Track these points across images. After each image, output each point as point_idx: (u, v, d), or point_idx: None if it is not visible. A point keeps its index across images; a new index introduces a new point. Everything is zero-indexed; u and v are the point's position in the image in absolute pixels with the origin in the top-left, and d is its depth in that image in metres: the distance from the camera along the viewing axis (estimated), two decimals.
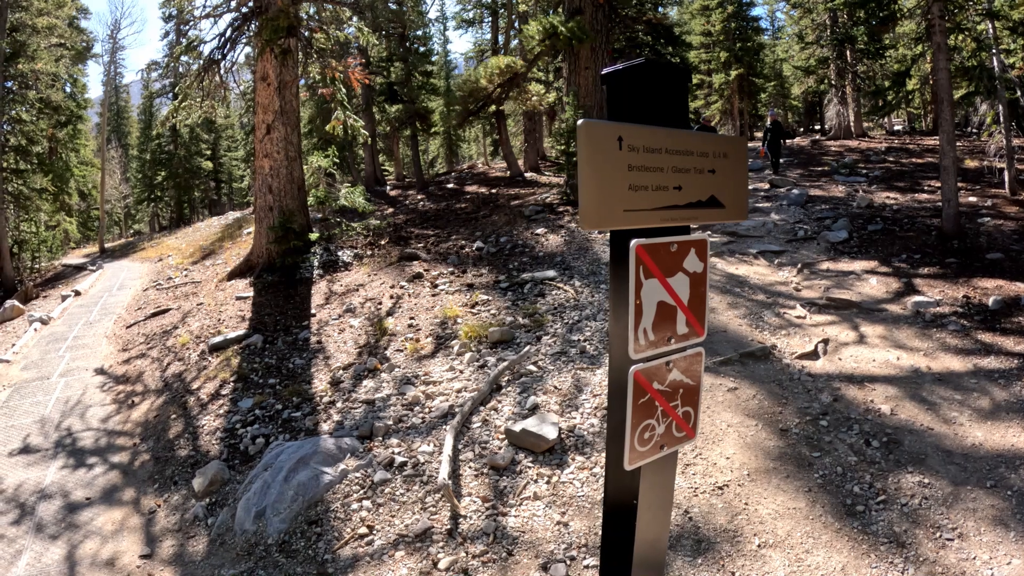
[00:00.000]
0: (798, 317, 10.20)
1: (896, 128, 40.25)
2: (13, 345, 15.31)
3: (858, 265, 12.22)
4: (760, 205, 17.41)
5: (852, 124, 31.85)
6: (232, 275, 16.97)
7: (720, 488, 6.56)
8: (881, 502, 6.23)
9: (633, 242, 2.49)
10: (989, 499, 6.15)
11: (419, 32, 33.36)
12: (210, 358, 11.79)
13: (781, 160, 22.01)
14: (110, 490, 8.55)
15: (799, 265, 12.45)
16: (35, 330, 16.71)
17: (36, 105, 29.13)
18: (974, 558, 5.49)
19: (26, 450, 9.74)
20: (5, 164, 26.88)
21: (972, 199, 15.58)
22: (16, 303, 20.12)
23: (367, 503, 7.02)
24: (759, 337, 9.57)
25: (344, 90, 17.46)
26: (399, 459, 7.60)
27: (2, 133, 26.48)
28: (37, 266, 29.57)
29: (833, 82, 32.06)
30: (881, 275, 11.59)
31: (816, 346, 9.20)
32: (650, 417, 2.70)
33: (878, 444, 7.06)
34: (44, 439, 10.04)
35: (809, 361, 8.93)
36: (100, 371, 12.70)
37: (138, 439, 9.71)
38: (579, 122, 2.30)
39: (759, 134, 38.67)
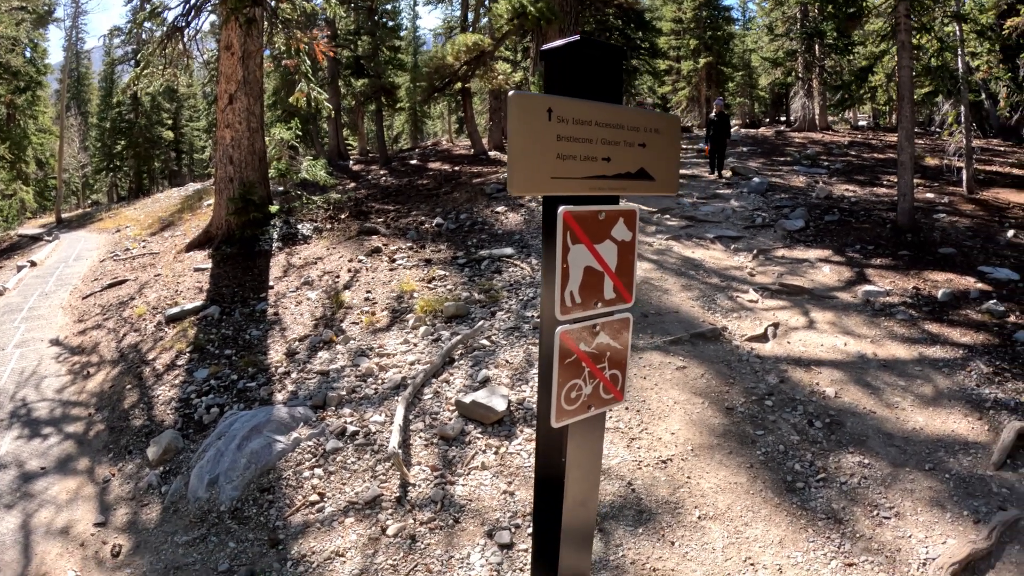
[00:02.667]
0: (750, 301, 10.38)
1: (860, 123, 40.91)
2: None
3: (813, 253, 12.46)
4: (720, 192, 17.63)
5: (817, 117, 32.31)
6: (191, 247, 16.86)
7: (664, 462, 6.70)
8: (821, 480, 6.41)
9: (561, 208, 2.61)
10: (927, 481, 6.35)
11: (388, 6, 33.01)
12: (166, 329, 11.77)
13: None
14: (65, 460, 8.57)
15: (755, 251, 12.66)
16: None
17: None
18: (910, 536, 5.68)
19: None
20: None
21: (929, 195, 15.91)
22: None
23: (319, 471, 7.12)
24: (711, 319, 9.74)
25: (309, 62, 17.33)
26: (351, 428, 7.70)
27: None
28: None
29: (800, 75, 32.48)
30: (834, 264, 11.83)
31: (766, 329, 9.37)
32: (576, 377, 2.82)
33: (821, 425, 7.25)
34: None
35: (758, 344, 9.12)
36: (56, 342, 12.62)
37: (93, 409, 9.72)
38: (510, 93, 2.43)
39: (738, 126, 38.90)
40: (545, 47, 2.73)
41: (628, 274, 2.95)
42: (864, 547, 5.57)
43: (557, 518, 3.01)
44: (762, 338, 9.23)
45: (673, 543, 5.68)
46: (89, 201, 56.23)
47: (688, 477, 6.49)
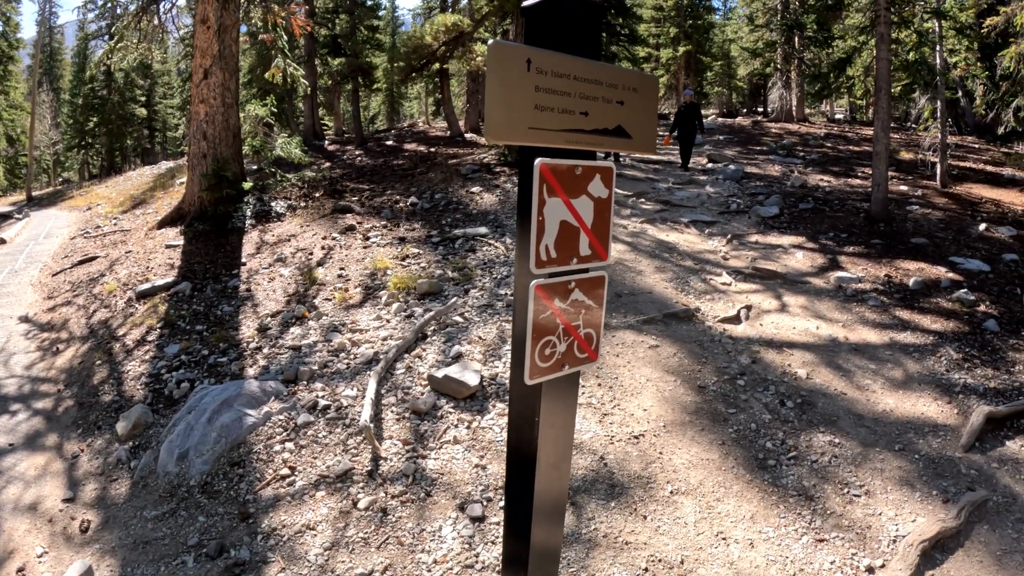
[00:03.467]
0: (724, 284, 10.45)
1: (837, 116, 41.15)
2: None
3: (786, 240, 12.55)
4: (696, 178, 17.73)
5: (794, 108, 32.49)
6: (163, 223, 16.68)
7: (636, 437, 6.75)
8: (792, 458, 6.48)
9: (537, 160, 2.58)
10: (897, 461, 6.44)
11: None
12: (137, 305, 11.66)
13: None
14: (33, 436, 8.48)
15: (729, 236, 12.73)
16: None
17: None
18: (880, 514, 5.76)
19: None
20: None
21: (903, 188, 16.05)
22: None
23: (290, 445, 7.09)
24: (684, 300, 9.79)
25: (286, 37, 17.19)
26: (323, 403, 7.68)
27: None
28: None
29: (779, 66, 32.63)
30: (808, 250, 11.92)
31: (739, 311, 9.44)
32: (551, 334, 2.80)
33: (792, 405, 7.32)
34: None
35: (731, 325, 9.18)
36: (24, 319, 12.49)
37: (62, 385, 9.63)
38: (489, 42, 2.40)
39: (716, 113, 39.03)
40: (526, 3, 2.70)
41: (604, 231, 2.93)
42: (835, 524, 5.64)
43: (530, 480, 2.99)
44: (735, 320, 9.29)
45: (646, 517, 5.73)
46: (60, 179, 55.62)
47: (660, 453, 6.54)
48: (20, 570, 6.19)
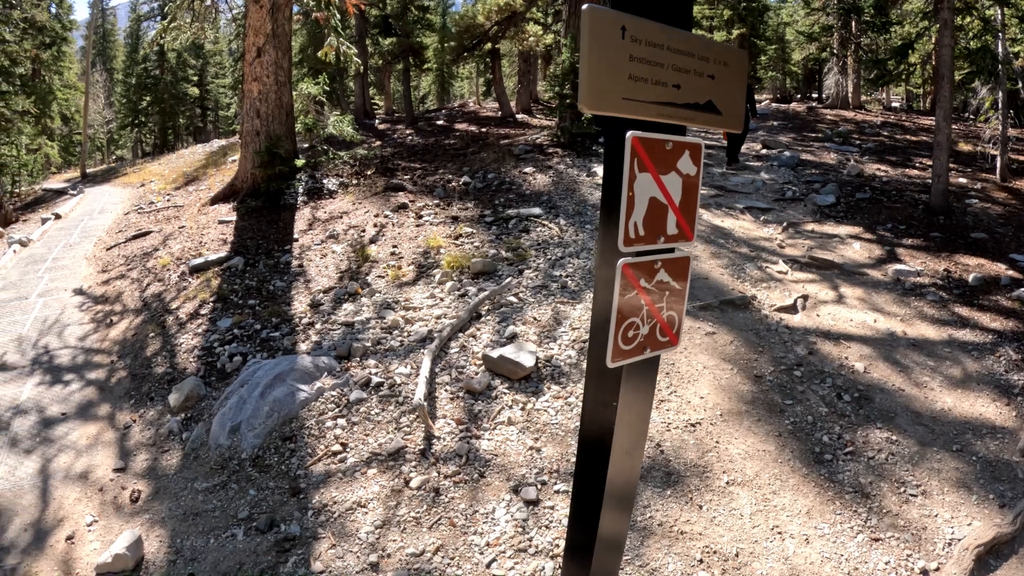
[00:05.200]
0: (779, 272, 10.23)
1: (894, 104, 40.13)
2: None
3: (843, 229, 12.23)
4: (751, 164, 17.40)
5: (850, 95, 31.73)
6: (215, 200, 16.76)
7: (693, 425, 6.63)
8: (849, 453, 6.32)
9: (629, 133, 2.45)
10: (954, 462, 6.24)
11: None
12: (190, 279, 11.70)
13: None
14: (86, 406, 8.53)
15: (784, 224, 12.46)
16: (14, 252, 16.52)
17: (20, 25, 28.59)
18: (936, 516, 5.60)
19: (3, 367, 9.67)
20: None
21: (962, 180, 15.56)
22: None
23: (342, 421, 7.05)
24: (740, 287, 9.60)
25: (339, 16, 17.13)
26: (376, 379, 7.62)
27: None
28: (17, 190, 29.16)
29: (835, 51, 31.81)
30: (865, 241, 11.60)
31: (795, 301, 9.23)
32: (635, 315, 2.68)
33: (849, 399, 7.14)
34: (21, 357, 9.97)
35: (787, 314, 8.98)
36: (79, 291, 12.59)
37: (115, 357, 9.67)
38: (584, 7, 2.27)
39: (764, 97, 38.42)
40: None
41: (691, 210, 2.80)
42: (890, 523, 5.51)
43: (603, 466, 2.89)
44: (791, 309, 9.09)
45: (701, 507, 5.64)
46: (114, 156, 56.44)
47: (717, 442, 6.42)
48: (70, 538, 6.23)
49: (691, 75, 2.65)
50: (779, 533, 5.37)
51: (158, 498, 6.62)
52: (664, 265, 2.76)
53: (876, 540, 5.32)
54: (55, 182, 33.81)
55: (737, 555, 5.16)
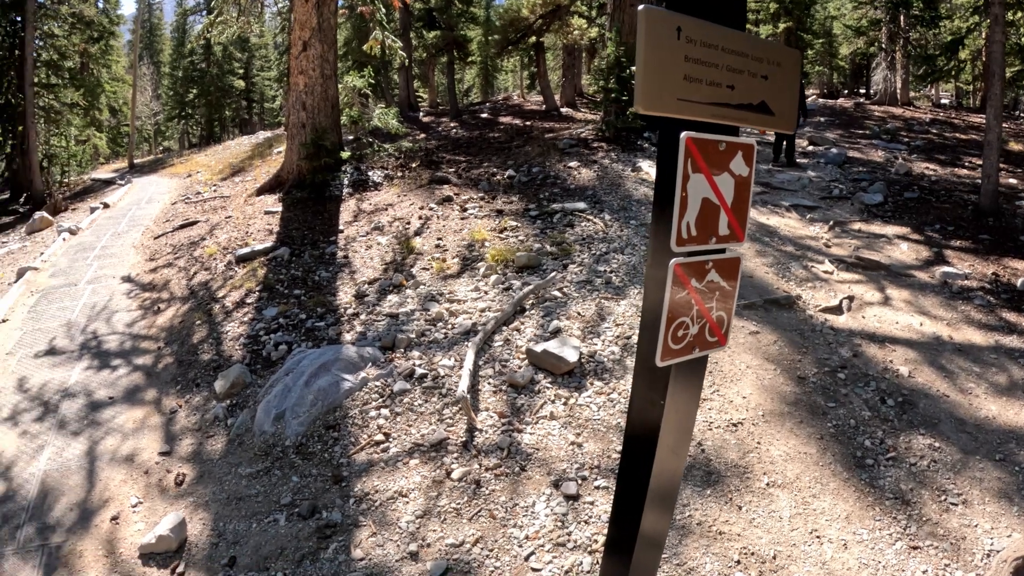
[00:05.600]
0: (825, 272, 10.08)
1: (943, 101, 39.43)
2: (42, 254, 15.45)
3: (890, 230, 12.02)
4: (798, 160, 17.16)
5: (898, 91, 31.18)
6: (261, 191, 16.92)
7: (734, 425, 6.58)
8: (891, 459, 6.22)
9: (683, 133, 2.46)
10: (996, 471, 6.11)
11: None
12: (236, 268, 11.83)
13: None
14: (133, 390, 8.67)
15: (831, 222, 12.28)
16: (64, 240, 16.84)
17: (68, 20, 29.26)
18: (976, 525, 5.49)
19: (52, 352, 9.86)
20: (36, 79, 26.94)
21: (1012, 181, 15.23)
22: (45, 215, 20.35)
23: (385, 411, 7.08)
24: (785, 287, 9.48)
25: (384, 10, 17.20)
26: (419, 371, 7.64)
27: (34, 48, 26.49)
28: (66, 180, 29.82)
29: (883, 46, 31.28)
30: (912, 242, 11.40)
31: (841, 301, 9.10)
32: (685, 315, 2.69)
33: (893, 403, 7.02)
34: (70, 342, 10.16)
35: (832, 315, 8.85)
36: (127, 279, 12.78)
37: (162, 343, 9.81)
38: (640, 7, 2.28)
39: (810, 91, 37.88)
40: None
41: (743, 211, 2.81)
42: (930, 531, 5.41)
43: (648, 464, 2.90)
44: (836, 310, 8.96)
45: (740, 507, 5.60)
46: (161, 147, 57.30)
47: (758, 443, 6.36)
48: (114, 518, 6.34)
49: (745, 75, 2.67)
50: (818, 537, 5.31)
51: (202, 482, 6.71)
52: (715, 265, 2.78)
53: (915, 548, 5.24)
54: (103, 172, 34.40)
55: (775, 557, 5.11)
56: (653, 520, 3.06)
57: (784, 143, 16.99)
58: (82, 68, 31.60)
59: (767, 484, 5.83)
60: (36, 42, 27.05)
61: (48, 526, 6.32)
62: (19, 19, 26.15)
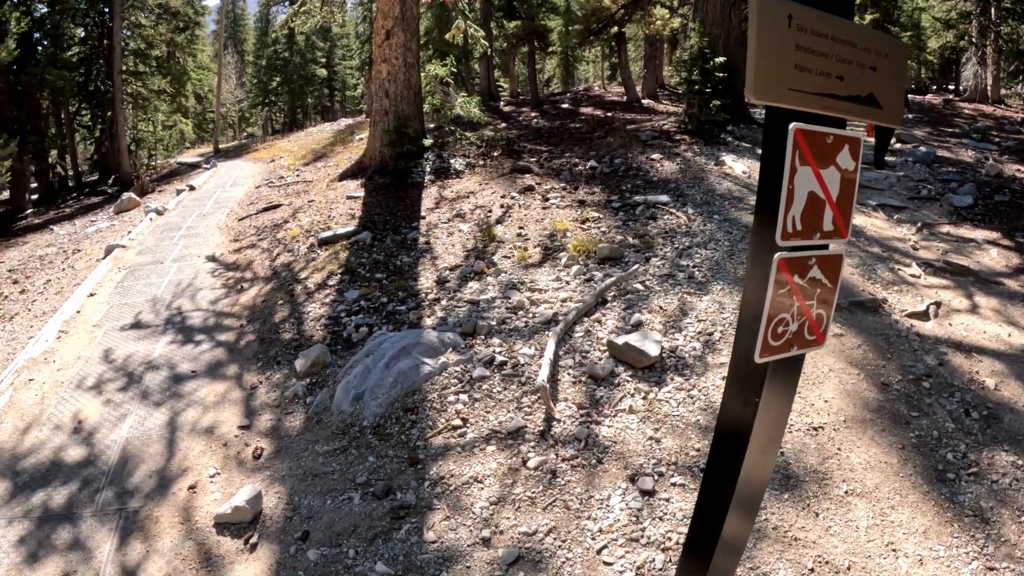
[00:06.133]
0: (912, 276, 9.71)
1: None
2: (129, 232, 15.95)
3: (980, 234, 11.52)
4: (885, 158, 16.64)
5: (989, 88, 30.03)
6: (343, 176, 17.14)
7: (815, 429, 6.38)
8: (972, 474, 5.93)
9: (792, 125, 2.41)
10: None
11: None
12: (319, 251, 11.97)
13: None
14: (214, 365, 8.84)
15: (919, 224, 11.82)
16: (150, 219, 17.33)
17: (155, 11, 30.62)
18: None
19: (137, 325, 10.13)
20: (124, 67, 27.97)
21: None
22: (133, 195, 21.09)
23: (463, 397, 7.07)
24: (870, 289, 9.17)
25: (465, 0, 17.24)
26: (499, 358, 7.61)
27: (122, 37, 27.48)
28: (153, 163, 30.98)
29: (974, 40, 30.17)
30: (1003, 248, 10.91)
31: (928, 307, 8.73)
32: (786, 311, 2.64)
33: (977, 416, 6.69)
34: (155, 316, 10.43)
35: (919, 321, 8.50)
36: (211, 258, 13.05)
37: (244, 321, 9.98)
38: None
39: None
40: None
41: (848, 207, 2.75)
42: (1007, 553, 5.14)
43: (737, 463, 2.85)
44: (923, 316, 8.61)
45: (817, 514, 5.43)
46: (245, 133, 58.88)
47: (838, 449, 6.16)
48: (192, 487, 6.47)
49: (854, 66, 2.60)
50: (893, 550, 5.11)
51: (279, 457, 6.80)
52: (818, 262, 2.73)
53: (991, 569, 4.99)
54: (189, 156, 35.51)
55: (849, 568, 4.94)
56: (736, 523, 3.02)
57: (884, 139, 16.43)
58: (168, 57, 32.70)
59: (845, 492, 5.64)
60: (124, 32, 28.25)
61: (127, 491, 6.48)
62: (107, 10, 27.29)
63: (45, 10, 26.86)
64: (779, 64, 2.31)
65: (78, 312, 10.83)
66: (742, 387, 2.82)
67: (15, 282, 13.76)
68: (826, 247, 2.74)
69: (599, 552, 5.14)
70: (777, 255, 2.51)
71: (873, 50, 2.65)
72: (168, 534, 5.89)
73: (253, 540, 5.69)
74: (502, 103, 31.84)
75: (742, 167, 14.11)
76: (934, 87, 41.63)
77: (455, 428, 6.65)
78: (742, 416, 2.81)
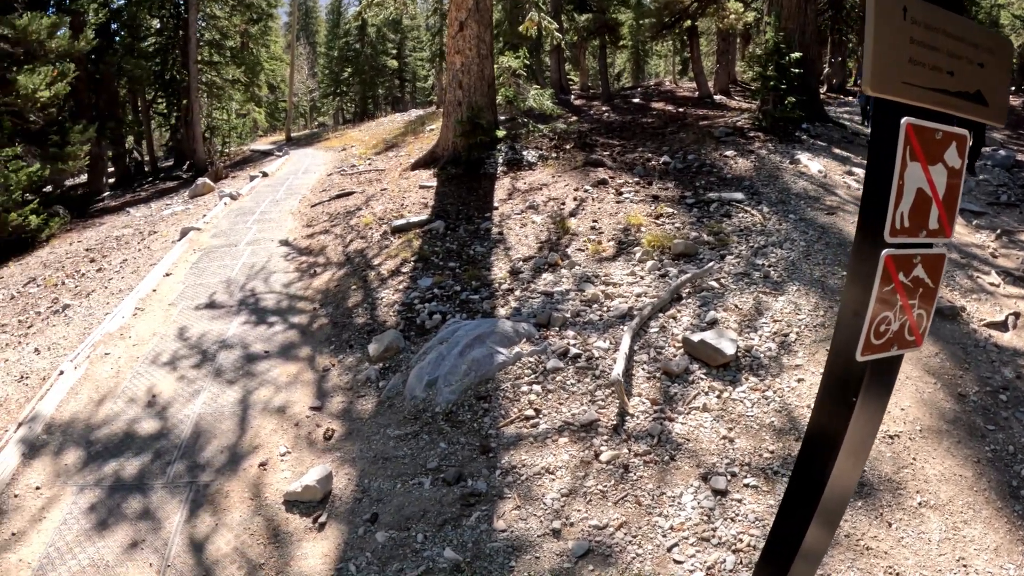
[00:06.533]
0: (991, 284, 9.37)
1: None
2: (204, 216, 16.30)
3: None
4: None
5: None
6: (416, 165, 17.26)
7: (891, 437, 6.20)
8: None
9: (904, 119, 2.34)
10: None
11: None
12: (392, 238, 12.06)
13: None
14: (287, 346, 8.96)
15: (998, 231, 11.41)
16: (225, 204, 17.67)
17: (229, 2, 31.43)
18: None
19: (211, 305, 10.33)
20: (200, 57, 28.72)
21: None
22: (207, 180, 21.64)
23: (537, 387, 7.05)
24: (948, 296, 8.86)
25: None
26: (573, 350, 7.56)
27: (197, 28, 28.22)
28: (227, 150, 31.65)
29: None
30: None
31: (1007, 317, 8.39)
32: (889, 310, 2.57)
33: None
34: (229, 297, 10.63)
35: (997, 331, 8.18)
36: (284, 243, 13.24)
37: (317, 304, 10.09)
38: None
39: None
40: None
41: (953, 205, 2.65)
42: None
43: (827, 466, 2.78)
44: (1002, 326, 8.28)
45: (890, 524, 5.28)
46: (316, 122, 59.77)
47: (913, 459, 5.97)
48: (262, 464, 6.58)
49: (963, 62, 2.54)
50: (964, 566, 4.93)
51: (350, 439, 6.87)
52: (922, 260, 2.65)
53: None
54: (262, 144, 36.17)
55: None
56: (819, 531, 2.95)
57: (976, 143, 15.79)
58: (242, 47, 33.46)
59: (919, 503, 5.48)
60: (199, 23, 29.11)
61: (198, 465, 6.62)
62: (183, 2, 27.98)
63: (122, 2, 27.93)
64: (895, 56, 2.29)
65: (154, 291, 11.09)
66: (839, 387, 2.75)
67: (92, 260, 14.15)
68: (931, 246, 2.67)
69: (669, 550, 5.08)
70: (885, 251, 2.45)
71: (981, 46, 2.59)
72: (237, 509, 6.00)
73: (322, 519, 5.75)
74: (572, 96, 31.78)
75: (818, 166, 13.83)
76: (1013, 87, 40.35)
77: (528, 418, 6.64)
78: (838, 416, 2.74)
